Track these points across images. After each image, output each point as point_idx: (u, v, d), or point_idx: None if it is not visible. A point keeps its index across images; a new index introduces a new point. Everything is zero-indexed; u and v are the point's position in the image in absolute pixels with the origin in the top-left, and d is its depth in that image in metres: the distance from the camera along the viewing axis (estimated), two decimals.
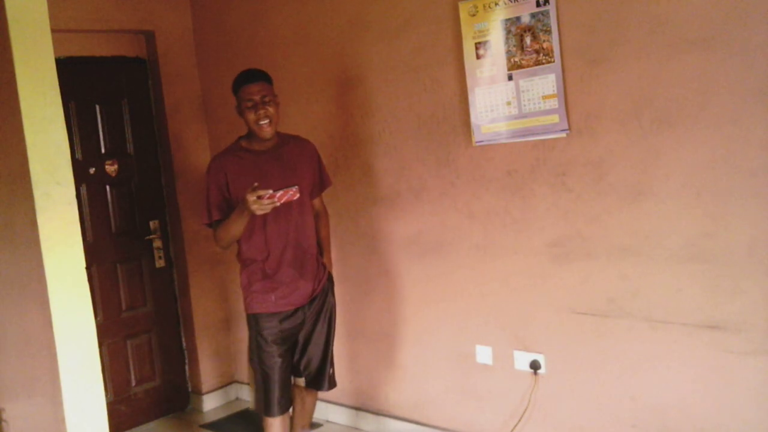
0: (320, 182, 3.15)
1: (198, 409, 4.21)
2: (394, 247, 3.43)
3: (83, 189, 3.79)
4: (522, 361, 3.03)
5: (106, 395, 2.81)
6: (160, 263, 4.12)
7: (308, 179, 3.01)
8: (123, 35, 4.00)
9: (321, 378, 3.09)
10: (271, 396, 2.94)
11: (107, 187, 3.93)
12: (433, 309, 3.32)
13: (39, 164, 2.22)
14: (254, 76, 2.88)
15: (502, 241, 3.02)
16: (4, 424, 2.70)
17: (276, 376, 2.93)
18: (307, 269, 2.96)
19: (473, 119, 3.01)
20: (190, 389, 4.27)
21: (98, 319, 3.71)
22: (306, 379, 3.11)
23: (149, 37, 4.07)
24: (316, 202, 3.16)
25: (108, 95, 3.93)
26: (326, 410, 3.85)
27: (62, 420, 2.29)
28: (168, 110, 4.07)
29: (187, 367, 4.26)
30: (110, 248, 3.93)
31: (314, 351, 3.06)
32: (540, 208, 2.89)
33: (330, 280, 3.12)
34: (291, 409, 3.17)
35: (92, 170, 3.86)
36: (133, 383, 4.03)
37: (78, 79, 3.77)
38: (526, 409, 3.03)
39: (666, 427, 2.66)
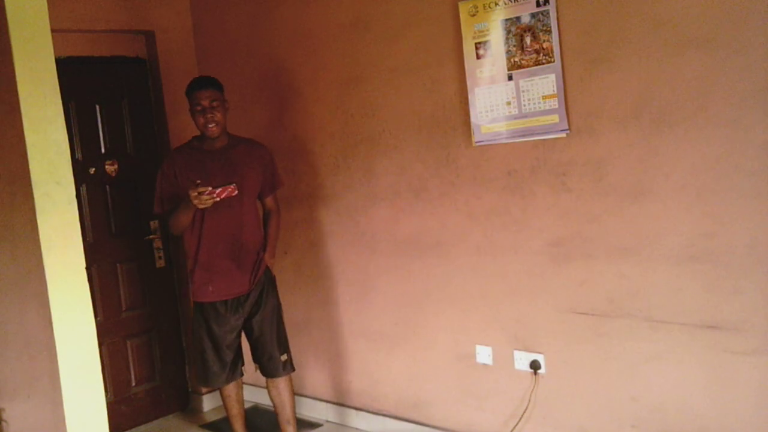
0: (271, 183, 3.40)
1: (198, 409, 4.22)
2: (394, 247, 3.43)
3: (83, 189, 3.79)
4: (522, 361, 3.03)
5: (106, 395, 2.81)
6: (160, 263, 4.12)
7: (252, 180, 3.25)
8: (123, 35, 4.00)
9: (274, 365, 3.32)
10: (207, 371, 3.28)
11: (107, 187, 3.93)
12: (433, 309, 3.32)
13: (39, 164, 2.22)
14: (204, 83, 3.19)
15: (502, 241, 3.02)
16: (4, 424, 2.70)
17: (211, 356, 3.25)
18: (244, 262, 3.23)
19: (473, 119, 3.01)
20: (190, 389, 4.27)
21: (98, 319, 3.71)
22: (260, 367, 3.34)
23: (149, 37, 4.07)
24: (269, 201, 3.42)
25: (108, 95, 3.93)
26: (326, 410, 3.86)
27: (62, 420, 2.28)
28: (168, 110, 4.07)
29: (187, 367, 4.26)
30: (110, 248, 3.93)
31: (262, 340, 3.30)
32: (540, 208, 2.89)
33: (267, 275, 3.30)
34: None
35: (92, 170, 3.86)
36: (133, 383, 4.03)
37: (78, 79, 3.77)
38: (526, 409, 3.03)
39: (666, 427, 2.66)
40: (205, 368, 3.29)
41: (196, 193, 2.94)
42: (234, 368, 3.33)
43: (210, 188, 2.94)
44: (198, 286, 3.23)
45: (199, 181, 2.98)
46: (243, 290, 3.24)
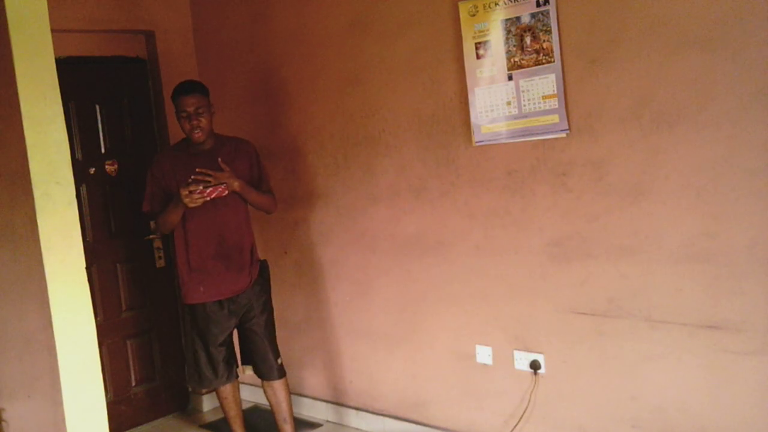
0: (258, 178, 3.38)
1: (198, 409, 4.21)
2: (394, 247, 3.43)
3: (83, 189, 3.79)
4: (522, 361, 3.03)
5: (106, 395, 2.81)
6: (160, 263, 4.11)
7: (242, 177, 3.23)
8: (123, 35, 4.00)
9: (269, 368, 3.33)
10: (200, 374, 3.31)
11: (107, 187, 3.93)
12: (433, 309, 3.32)
13: (39, 164, 2.22)
14: (189, 88, 3.20)
15: (502, 241, 3.02)
16: (4, 424, 2.70)
17: (203, 359, 3.28)
18: (234, 262, 3.23)
19: (473, 119, 3.01)
20: (190, 389, 4.27)
21: (98, 319, 3.70)
22: (255, 368, 3.34)
23: (149, 37, 4.07)
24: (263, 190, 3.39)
25: (108, 95, 3.93)
26: (326, 410, 3.86)
27: (62, 420, 2.28)
28: (168, 110, 4.06)
29: (186, 367, 4.25)
30: (110, 248, 3.93)
31: (258, 341, 3.31)
32: (540, 208, 2.89)
33: (263, 275, 3.32)
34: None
35: (92, 170, 3.86)
36: (133, 383, 4.03)
37: (78, 79, 3.77)
38: (526, 409, 3.03)
39: (666, 427, 2.66)
40: (198, 371, 3.31)
41: (187, 192, 2.98)
42: (228, 370, 3.33)
43: (201, 188, 2.99)
44: (189, 287, 3.23)
45: (191, 179, 3.02)
46: (236, 289, 3.23)
